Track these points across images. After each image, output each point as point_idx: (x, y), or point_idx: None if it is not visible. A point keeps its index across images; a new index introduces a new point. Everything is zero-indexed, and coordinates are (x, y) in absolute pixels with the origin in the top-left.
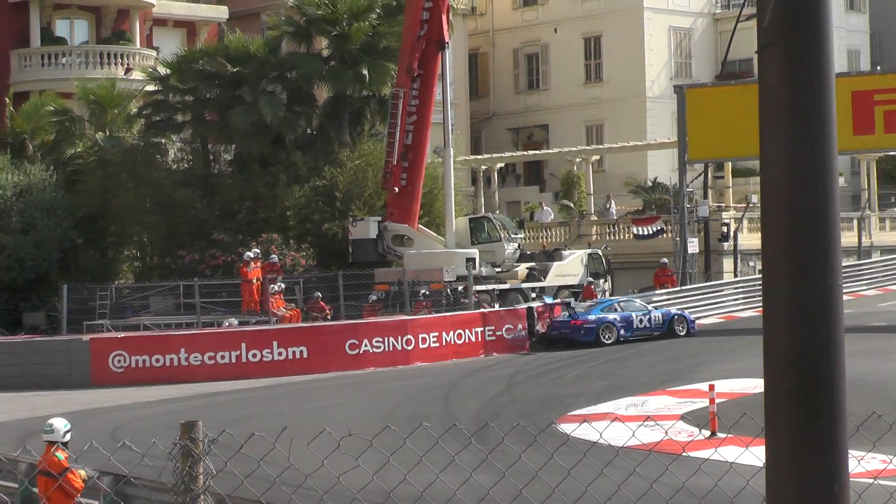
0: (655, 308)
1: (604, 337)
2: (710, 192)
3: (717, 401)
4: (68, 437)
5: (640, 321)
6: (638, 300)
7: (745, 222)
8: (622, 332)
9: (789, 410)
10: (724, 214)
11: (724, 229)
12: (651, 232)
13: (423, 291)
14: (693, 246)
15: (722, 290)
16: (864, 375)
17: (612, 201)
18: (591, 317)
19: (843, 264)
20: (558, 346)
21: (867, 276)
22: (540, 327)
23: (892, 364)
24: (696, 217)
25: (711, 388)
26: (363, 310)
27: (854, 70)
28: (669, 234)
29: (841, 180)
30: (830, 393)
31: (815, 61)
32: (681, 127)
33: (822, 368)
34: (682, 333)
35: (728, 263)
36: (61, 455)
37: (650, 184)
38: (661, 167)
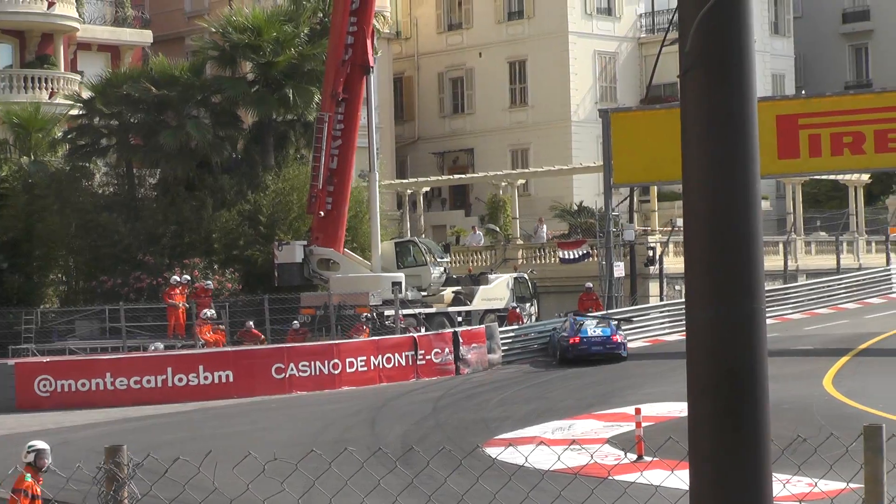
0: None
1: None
2: (635, 216)
3: (644, 424)
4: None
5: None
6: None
7: (670, 246)
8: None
9: (712, 434)
10: (650, 238)
11: (650, 253)
12: (577, 256)
13: (365, 315)
14: (619, 270)
15: (648, 314)
16: (789, 399)
17: (543, 225)
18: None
19: (768, 288)
20: (585, 362)
21: (793, 300)
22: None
23: (818, 388)
24: (621, 241)
25: (638, 411)
26: (288, 334)
27: (779, 94)
28: (595, 258)
29: (766, 204)
30: (753, 416)
31: (736, 85)
32: (606, 151)
33: (745, 392)
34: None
35: (654, 287)
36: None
37: (576, 208)
38: (587, 191)
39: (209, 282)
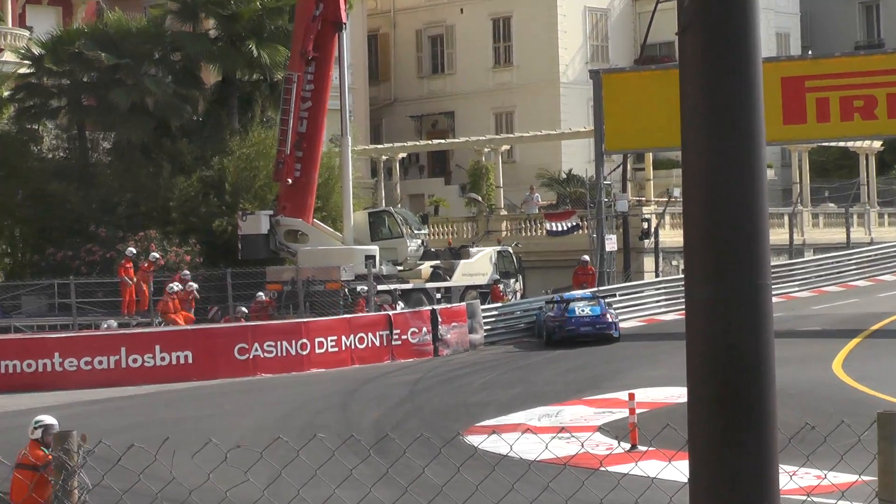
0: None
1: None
2: (629, 185)
3: (638, 411)
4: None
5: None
6: (577, 294)
7: (667, 217)
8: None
9: (713, 422)
10: (645, 209)
11: (645, 225)
12: (566, 228)
13: (361, 288)
14: (611, 243)
15: (642, 291)
16: (796, 383)
17: (536, 193)
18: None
19: (773, 264)
20: (573, 343)
21: (799, 277)
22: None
23: (827, 372)
24: (614, 212)
25: (631, 396)
26: (250, 310)
27: (783, 54)
28: (586, 231)
29: (770, 173)
30: (758, 403)
31: (739, 44)
32: (597, 115)
33: (749, 376)
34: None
35: (649, 262)
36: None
37: (564, 176)
38: (577, 158)
39: (156, 254)
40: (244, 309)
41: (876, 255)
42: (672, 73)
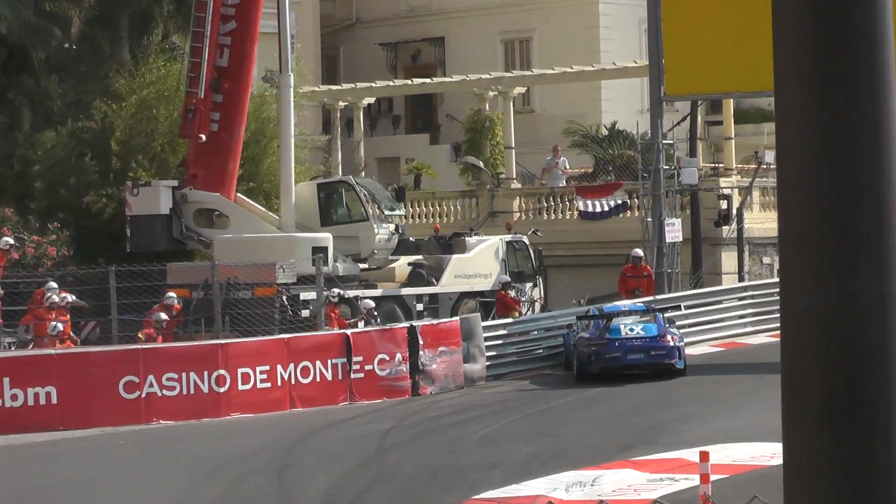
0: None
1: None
2: (700, 146)
3: (713, 477)
4: None
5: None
6: (624, 306)
7: (755, 195)
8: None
9: (823, 482)
10: (724, 182)
11: (724, 205)
12: (607, 209)
13: (331, 293)
14: (675, 231)
15: (720, 302)
16: None
17: (561, 157)
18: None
19: None
20: (617, 378)
21: None
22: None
23: None
24: (678, 186)
25: (703, 456)
26: (143, 325)
27: None
28: (637, 213)
29: None
30: (887, 451)
31: None
32: (653, 44)
33: (872, 414)
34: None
35: (730, 259)
36: None
37: (605, 132)
38: (623, 107)
39: (9, 239)
40: (163, 315)
41: None
42: None
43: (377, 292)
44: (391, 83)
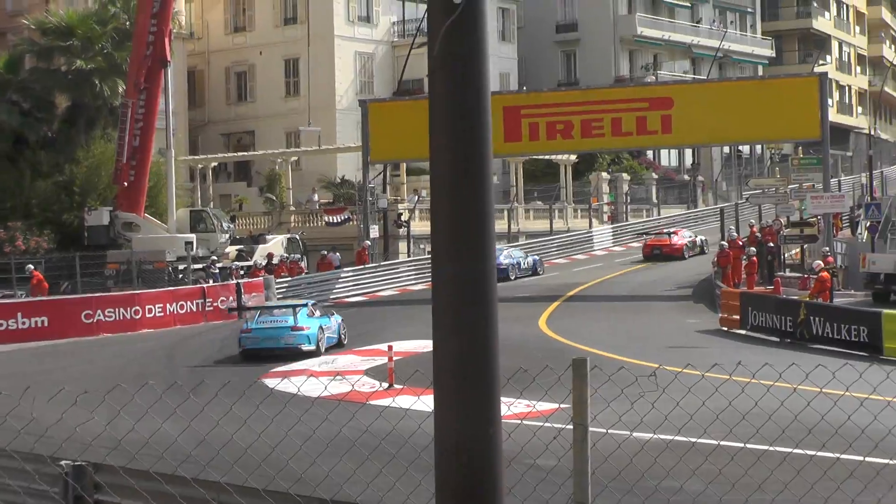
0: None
1: (511, 275)
2: (388, 187)
3: (395, 358)
4: None
5: (524, 264)
6: (516, 251)
7: (416, 212)
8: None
9: (453, 367)
10: (400, 206)
11: (400, 218)
12: (340, 220)
13: (256, 262)
14: (374, 231)
15: (398, 268)
16: (511, 336)
17: (316, 193)
18: (504, 260)
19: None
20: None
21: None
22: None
23: (534, 327)
24: (376, 208)
25: (390, 348)
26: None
27: (505, 89)
28: (355, 222)
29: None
30: (485, 353)
31: (474, 82)
32: (364, 134)
33: (479, 333)
34: (541, 273)
35: (403, 246)
36: None
37: (339, 180)
38: (349, 166)
39: None
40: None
41: (571, 239)
42: (422, 102)
43: (220, 264)
44: (226, 154)
